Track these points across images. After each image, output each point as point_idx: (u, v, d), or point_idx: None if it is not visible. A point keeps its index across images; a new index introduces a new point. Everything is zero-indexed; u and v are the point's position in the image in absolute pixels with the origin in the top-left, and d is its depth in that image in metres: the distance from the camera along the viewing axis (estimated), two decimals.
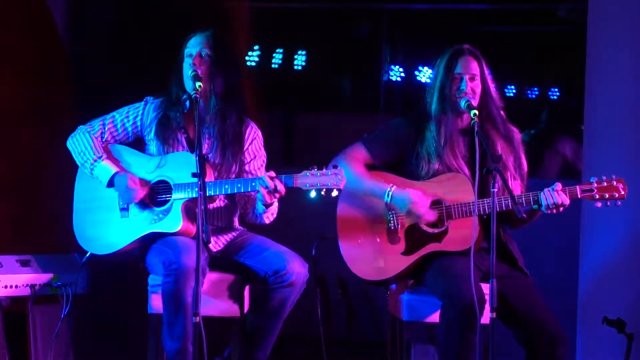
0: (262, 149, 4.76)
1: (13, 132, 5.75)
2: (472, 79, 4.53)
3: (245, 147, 4.69)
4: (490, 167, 4.19)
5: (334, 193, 4.51)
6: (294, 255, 4.53)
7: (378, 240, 4.60)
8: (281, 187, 4.33)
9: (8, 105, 5.73)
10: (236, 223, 4.77)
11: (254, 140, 4.73)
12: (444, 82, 4.55)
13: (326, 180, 4.28)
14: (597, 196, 4.41)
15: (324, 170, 4.30)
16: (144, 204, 4.59)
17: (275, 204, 4.56)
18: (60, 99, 6.10)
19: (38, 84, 5.95)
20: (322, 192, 4.30)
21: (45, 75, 6.03)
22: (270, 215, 4.62)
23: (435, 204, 4.54)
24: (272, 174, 4.36)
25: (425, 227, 4.53)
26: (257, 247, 4.60)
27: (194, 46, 4.61)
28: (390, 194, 4.53)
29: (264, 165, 4.74)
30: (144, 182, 4.59)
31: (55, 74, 6.14)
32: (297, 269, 4.48)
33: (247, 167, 4.70)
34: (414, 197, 4.49)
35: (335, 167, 4.31)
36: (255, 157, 4.71)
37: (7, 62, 5.76)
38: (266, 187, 4.32)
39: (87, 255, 4.70)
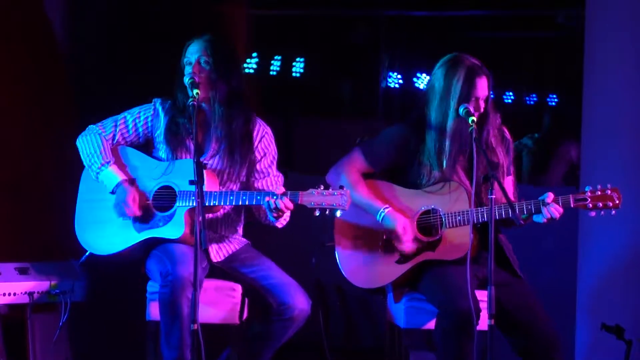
0: (272, 144, 4.72)
1: (11, 139, 5.74)
2: (485, 99, 4.52)
3: (255, 145, 4.68)
4: (488, 174, 4.19)
5: (338, 213, 4.51)
6: (299, 290, 4.53)
7: (373, 248, 4.60)
8: (288, 203, 4.34)
9: (6, 108, 5.72)
10: (240, 233, 4.77)
11: (263, 137, 4.70)
12: (464, 101, 4.46)
13: (332, 200, 4.28)
14: (591, 205, 4.39)
15: (330, 189, 4.29)
16: (147, 209, 4.58)
17: (287, 212, 4.55)
18: (58, 101, 6.10)
19: (36, 87, 5.94)
20: (327, 212, 4.30)
21: (44, 78, 6.02)
22: (282, 221, 4.58)
23: (429, 213, 4.54)
24: (282, 190, 4.36)
25: (419, 236, 4.53)
26: (264, 272, 4.59)
27: (193, 54, 4.60)
28: (383, 215, 4.53)
29: (274, 163, 4.72)
30: (143, 198, 4.59)
31: (53, 76, 6.13)
32: (301, 305, 4.49)
33: (257, 167, 4.69)
34: (400, 229, 4.49)
35: (341, 187, 4.30)
36: (265, 154, 4.69)
37: (6, 65, 5.75)
38: (275, 206, 4.32)
39: (87, 254, 4.69)
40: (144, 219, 4.58)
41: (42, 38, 6.11)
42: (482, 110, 4.49)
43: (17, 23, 5.87)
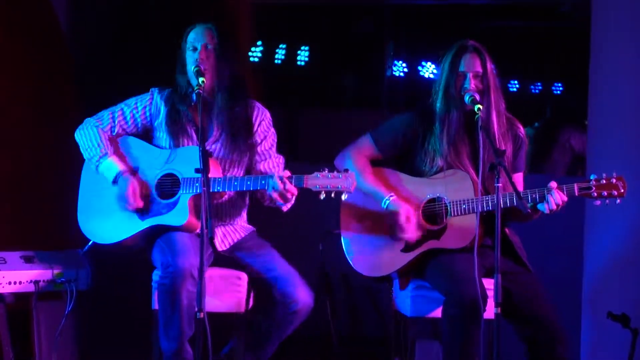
0: (271, 127, 4.73)
1: (15, 130, 5.75)
2: (475, 76, 4.51)
3: (255, 130, 4.68)
4: (495, 162, 4.17)
5: (344, 196, 4.51)
6: (301, 283, 4.52)
7: (379, 236, 4.60)
8: (292, 189, 4.32)
9: (10, 102, 5.73)
10: (245, 218, 4.77)
11: (262, 121, 4.71)
12: (448, 81, 4.53)
13: (337, 182, 4.26)
14: (595, 194, 4.36)
15: (335, 172, 4.28)
16: (150, 197, 4.58)
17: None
18: (62, 96, 6.10)
19: (40, 82, 5.96)
20: (332, 195, 4.28)
21: (47, 74, 6.03)
22: (288, 205, 4.58)
23: (435, 201, 4.53)
24: (288, 173, 4.34)
25: (425, 224, 4.52)
26: (268, 264, 4.58)
27: (197, 40, 4.60)
28: (388, 202, 4.53)
29: (274, 145, 4.73)
30: (145, 188, 4.58)
31: (57, 72, 6.14)
32: (304, 299, 4.49)
33: (258, 149, 4.68)
34: (403, 218, 4.49)
35: (346, 170, 4.29)
36: (265, 137, 4.70)
37: (9, 61, 5.76)
38: (277, 190, 4.32)
39: (90, 243, 4.70)
40: (148, 206, 4.58)
41: (46, 35, 6.11)
42: (472, 86, 4.48)
43: (19, 21, 5.87)
